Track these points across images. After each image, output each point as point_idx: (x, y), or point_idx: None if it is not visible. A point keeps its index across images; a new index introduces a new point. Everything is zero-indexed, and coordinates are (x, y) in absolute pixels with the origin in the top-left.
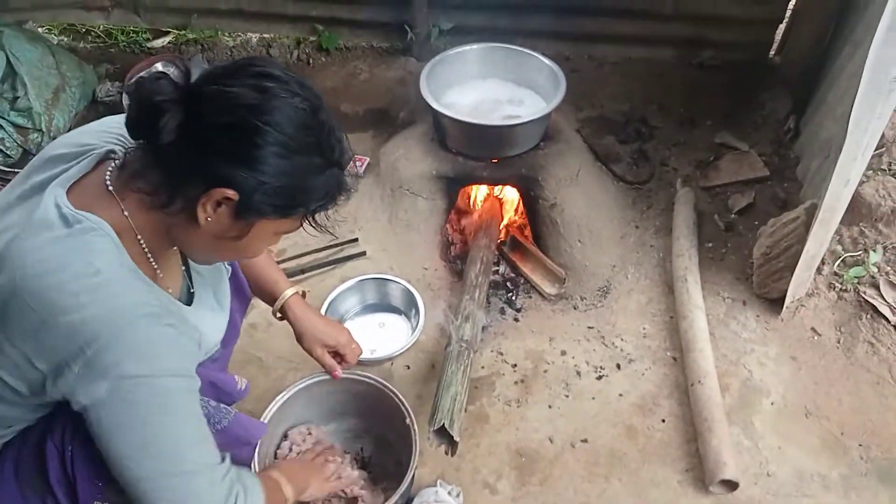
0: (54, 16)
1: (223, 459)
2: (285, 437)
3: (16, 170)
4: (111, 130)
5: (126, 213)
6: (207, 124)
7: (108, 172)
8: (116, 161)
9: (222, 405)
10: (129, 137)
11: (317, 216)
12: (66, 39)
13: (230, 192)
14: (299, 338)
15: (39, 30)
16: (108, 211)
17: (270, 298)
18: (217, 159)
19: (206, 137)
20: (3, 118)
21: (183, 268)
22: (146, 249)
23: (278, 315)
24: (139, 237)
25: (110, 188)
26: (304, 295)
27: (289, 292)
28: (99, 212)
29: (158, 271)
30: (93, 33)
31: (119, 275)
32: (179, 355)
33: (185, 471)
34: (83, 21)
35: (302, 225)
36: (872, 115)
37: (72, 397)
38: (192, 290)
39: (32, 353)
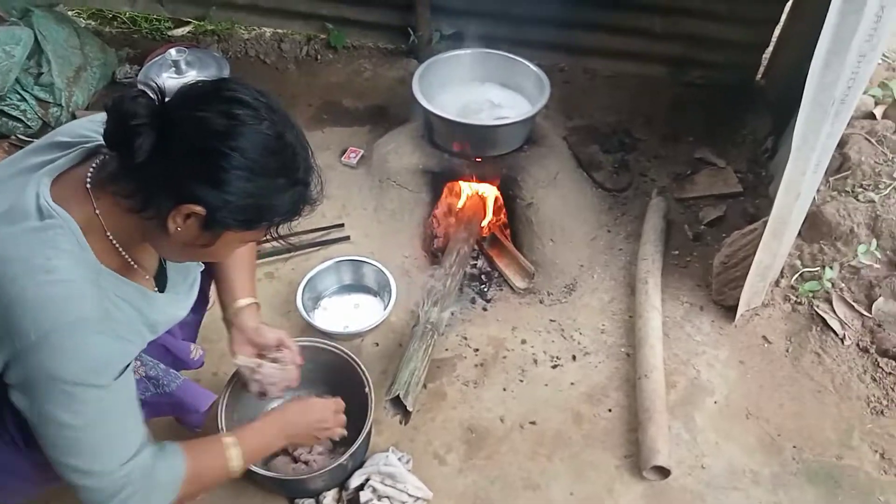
0: (84, 1)
1: (135, 454)
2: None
3: (33, 139)
4: None
5: (98, 212)
6: (178, 146)
7: (91, 170)
8: (100, 159)
9: (172, 371)
10: None
11: (279, 228)
12: (93, 23)
13: (197, 209)
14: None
15: (70, 13)
16: (81, 207)
17: (224, 303)
18: (186, 178)
19: (176, 158)
20: (27, 91)
21: None
22: (117, 245)
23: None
24: (108, 234)
25: (88, 186)
26: (258, 307)
27: (243, 302)
28: (73, 207)
29: (130, 261)
30: (118, 19)
31: (72, 275)
32: (103, 363)
33: (82, 469)
34: (110, 7)
35: (267, 234)
36: (819, 134)
37: (4, 373)
38: (166, 273)
39: None
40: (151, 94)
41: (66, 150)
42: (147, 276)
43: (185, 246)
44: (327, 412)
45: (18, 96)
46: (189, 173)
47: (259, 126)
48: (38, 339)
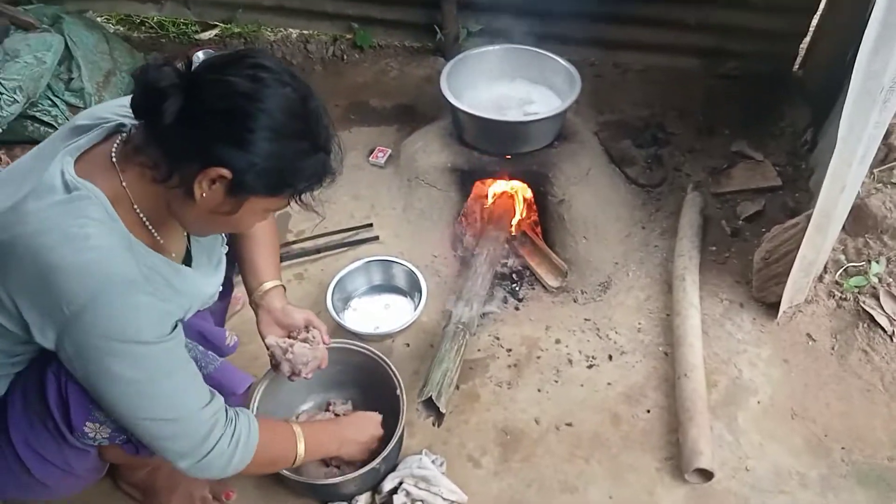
0: (112, 7)
1: (211, 399)
2: (328, 407)
3: None
4: (127, 105)
5: (125, 184)
6: (205, 109)
7: (115, 145)
8: (123, 135)
9: (209, 353)
10: None
11: (303, 196)
12: (121, 29)
13: (224, 171)
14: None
15: (98, 19)
16: (108, 181)
17: (249, 287)
18: (213, 141)
19: (203, 120)
20: (58, 97)
21: (185, 233)
22: (144, 218)
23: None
24: (136, 206)
25: (114, 160)
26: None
27: (269, 284)
28: (98, 181)
29: (158, 237)
30: (146, 24)
31: (107, 242)
32: (153, 321)
33: (163, 418)
34: (138, 12)
35: (289, 203)
36: (867, 123)
37: (56, 348)
38: (191, 253)
39: (22, 304)
40: (178, 65)
41: (87, 132)
42: (173, 254)
43: (211, 214)
44: (378, 432)
45: (50, 102)
46: (215, 135)
47: (283, 89)
48: (87, 302)
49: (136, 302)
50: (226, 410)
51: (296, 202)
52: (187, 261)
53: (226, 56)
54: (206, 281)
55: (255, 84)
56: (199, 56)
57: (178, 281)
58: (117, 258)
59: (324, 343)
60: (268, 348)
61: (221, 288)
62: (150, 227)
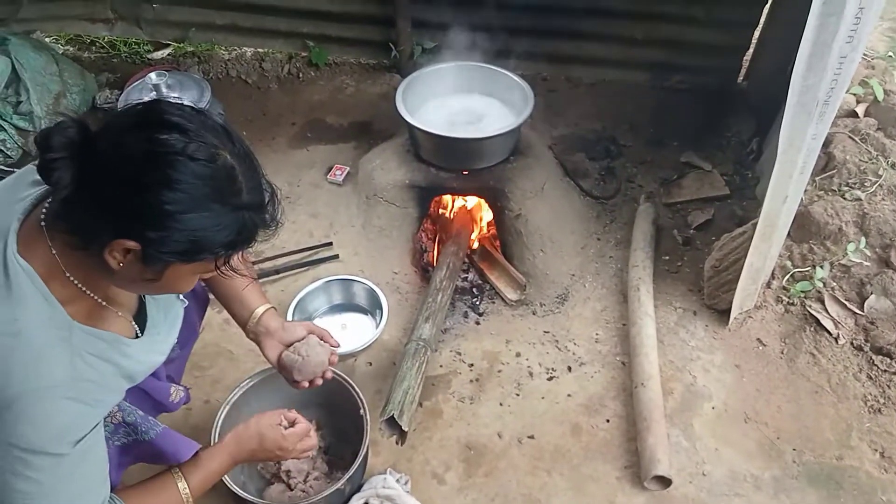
0: (61, 27)
1: None
2: None
3: (14, 169)
4: None
5: (55, 252)
6: (102, 180)
7: (45, 208)
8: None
9: (150, 418)
10: None
11: (231, 260)
12: (71, 49)
13: (131, 244)
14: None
15: (47, 39)
16: (40, 251)
17: (242, 320)
18: (115, 213)
19: (101, 192)
20: (6, 120)
21: None
22: (81, 286)
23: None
24: (69, 275)
25: (43, 225)
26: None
27: (261, 310)
28: (34, 253)
29: (101, 300)
30: (97, 44)
31: (39, 339)
32: (66, 429)
33: None
34: (88, 32)
35: (218, 267)
36: (805, 136)
37: None
38: (146, 311)
39: None
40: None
41: (38, 186)
42: (119, 314)
43: (134, 282)
44: (285, 442)
45: None
46: (116, 207)
47: (186, 150)
48: (2, 406)
49: (54, 409)
50: None
51: (222, 266)
52: (141, 317)
53: (126, 114)
54: (155, 349)
55: (151, 148)
56: (152, 77)
57: (122, 359)
58: (47, 358)
59: (331, 345)
60: (282, 369)
61: (176, 341)
62: (90, 293)
